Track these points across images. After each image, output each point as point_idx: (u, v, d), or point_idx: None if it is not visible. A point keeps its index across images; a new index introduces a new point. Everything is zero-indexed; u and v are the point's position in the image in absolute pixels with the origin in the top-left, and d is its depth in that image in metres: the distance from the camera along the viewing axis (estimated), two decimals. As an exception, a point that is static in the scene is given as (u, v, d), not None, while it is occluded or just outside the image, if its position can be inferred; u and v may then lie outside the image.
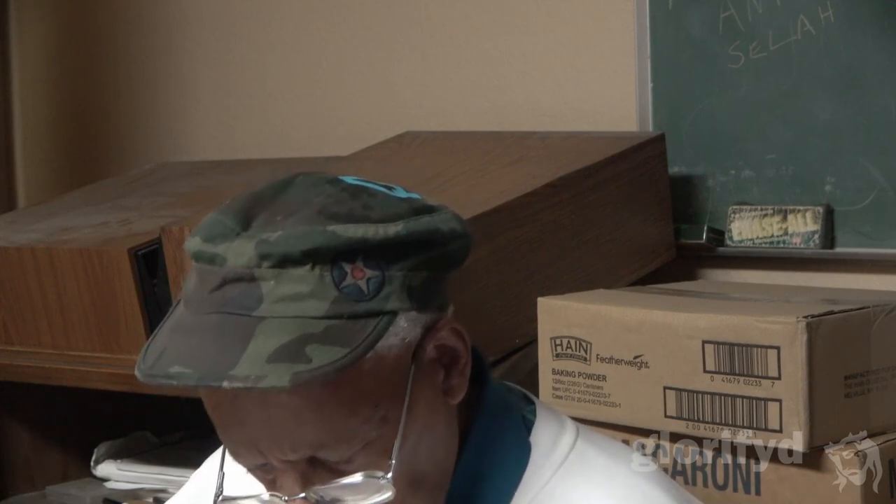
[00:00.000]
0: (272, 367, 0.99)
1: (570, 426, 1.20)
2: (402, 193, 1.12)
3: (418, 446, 1.09)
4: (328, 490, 1.07)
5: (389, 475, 1.06)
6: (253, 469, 1.10)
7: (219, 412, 1.07)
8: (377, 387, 1.06)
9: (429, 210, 1.10)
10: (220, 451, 1.15)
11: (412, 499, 1.10)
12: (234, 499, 1.11)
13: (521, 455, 1.16)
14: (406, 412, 1.07)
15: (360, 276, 1.04)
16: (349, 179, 1.12)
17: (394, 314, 1.05)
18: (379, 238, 1.04)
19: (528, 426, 1.18)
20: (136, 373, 1.04)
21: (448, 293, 1.13)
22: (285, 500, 1.07)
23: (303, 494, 1.06)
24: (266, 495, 1.09)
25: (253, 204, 1.08)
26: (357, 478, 1.06)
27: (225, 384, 1.00)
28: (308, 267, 1.03)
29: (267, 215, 1.07)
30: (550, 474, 1.15)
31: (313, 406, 1.03)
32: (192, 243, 1.07)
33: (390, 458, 1.06)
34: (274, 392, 1.01)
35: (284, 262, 1.03)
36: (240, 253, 1.04)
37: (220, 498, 1.11)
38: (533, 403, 1.21)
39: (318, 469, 1.07)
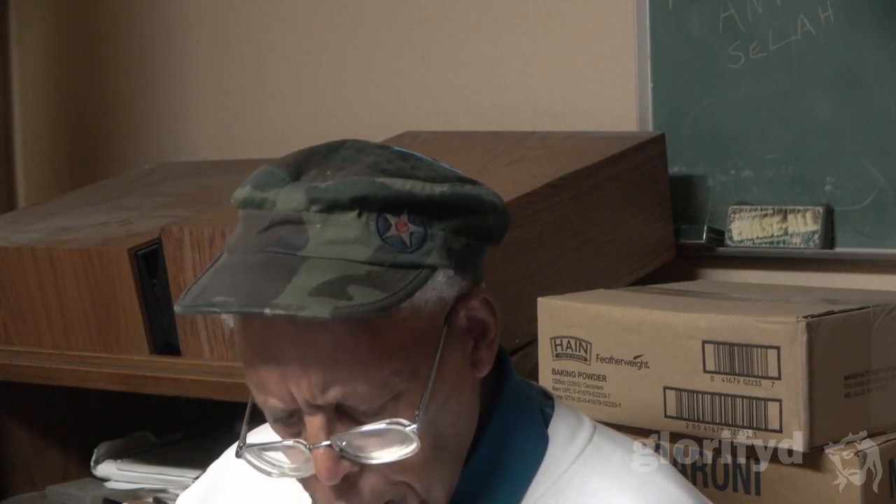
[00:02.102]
0: (314, 300, 1.02)
1: (588, 421, 1.23)
2: (447, 166, 1.15)
3: (444, 409, 1.11)
4: (353, 438, 1.08)
5: (415, 426, 1.07)
6: (277, 421, 1.11)
7: (254, 348, 1.08)
8: (411, 339, 1.08)
9: (472, 182, 1.14)
10: (241, 430, 1.16)
11: (433, 461, 1.11)
12: (258, 445, 1.12)
13: (538, 445, 1.18)
14: (435, 371, 1.09)
15: (403, 229, 1.08)
16: (397, 148, 1.15)
17: (433, 269, 1.08)
18: (425, 194, 1.08)
19: (546, 418, 1.21)
20: (176, 307, 1.07)
21: (482, 270, 1.16)
22: (310, 448, 1.08)
23: (327, 442, 1.07)
24: (290, 441, 1.10)
25: (304, 160, 1.12)
26: (382, 424, 1.07)
27: (267, 311, 1.02)
28: (355, 214, 1.06)
29: (318, 170, 1.10)
30: (568, 465, 1.17)
31: (349, 347, 1.05)
32: (242, 192, 1.11)
33: (416, 411, 1.08)
34: (313, 327, 1.04)
35: (333, 207, 1.06)
36: (290, 198, 1.07)
37: (244, 447, 1.12)
38: (551, 399, 1.24)
39: (344, 419, 1.08)
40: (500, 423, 1.18)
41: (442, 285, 1.10)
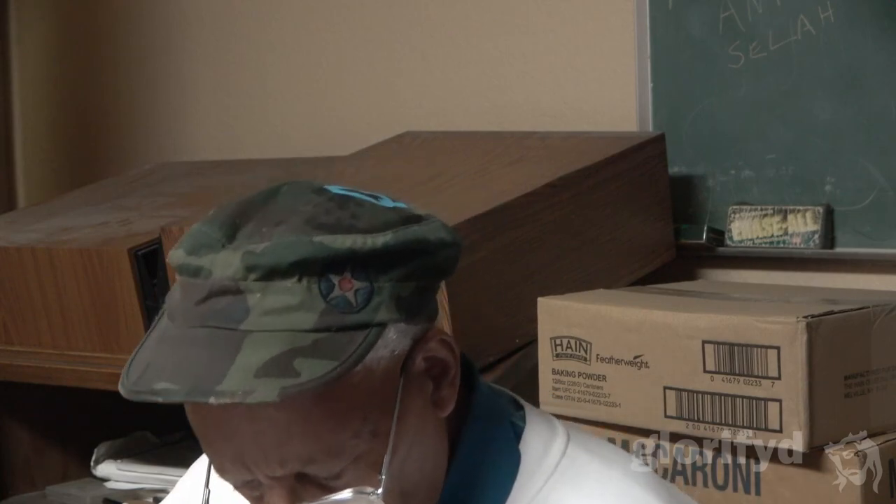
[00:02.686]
0: (260, 382, 0.97)
1: (561, 431, 1.18)
2: (388, 203, 1.10)
3: (408, 460, 1.08)
4: None
5: (379, 491, 1.04)
6: (240, 486, 1.08)
7: (204, 427, 1.05)
8: (366, 400, 1.04)
9: (416, 219, 1.08)
10: (205, 464, 1.13)
11: None
12: None
13: (510, 464, 1.14)
14: (395, 425, 1.05)
15: (348, 287, 1.02)
16: (335, 189, 1.10)
17: (383, 326, 1.03)
18: (367, 248, 1.03)
19: (517, 433, 1.16)
20: (121, 389, 1.03)
21: (437, 304, 1.11)
22: None
23: None
24: None
25: (238, 214, 1.06)
26: (346, 494, 1.04)
27: (212, 400, 0.97)
28: (295, 279, 1.01)
29: (253, 226, 1.05)
30: (542, 482, 1.13)
31: (302, 420, 1.01)
32: (176, 256, 1.05)
33: (380, 474, 1.04)
34: (262, 406, 0.99)
35: (272, 274, 1.01)
36: (226, 265, 1.02)
37: None
38: (522, 408, 1.19)
39: (306, 485, 1.05)
40: (469, 446, 1.14)
41: (393, 340, 1.05)
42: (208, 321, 1.02)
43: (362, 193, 1.10)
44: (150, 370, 1.02)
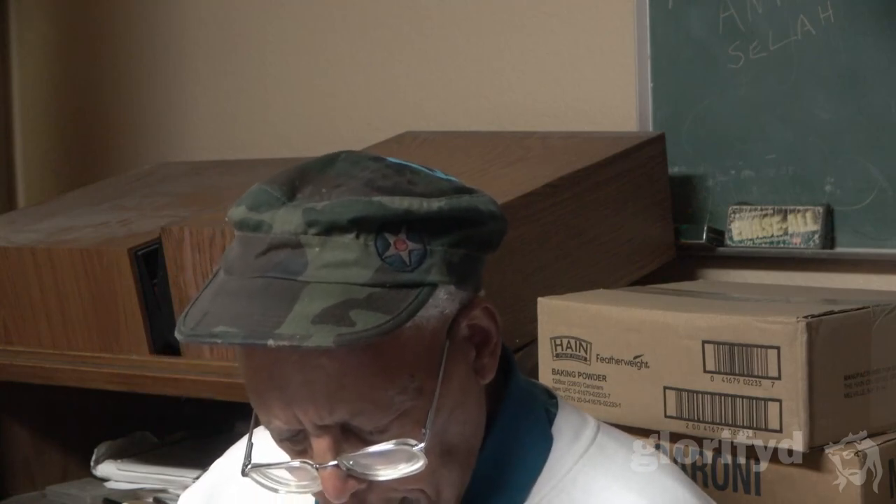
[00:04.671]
0: (317, 328, 1.02)
1: (592, 420, 1.23)
2: (441, 175, 1.15)
3: (450, 420, 1.12)
4: (360, 458, 1.08)
5: (422, 445, 1.08)
6: (283, 440, 1.11)
7: (258, 375, 1.08)
8: (415, 357, 1.08)
9: (468, 191, 1.13)
10: (245, 437, 1.17)
11: (442, 469, 1.12)
12: (264, 465, 1.12)
13: (543, 444, 1.19)
14: (440, 386, 1.09)
15: (402, 247, 1.07)
16: (391, 159, 1.15)
17: (434, 286, 1.08)
18: (423, 211, 1.08)
19: (550, 418, 1.21)
20: (177, 334, 1.06)
21: (482, 276, 1.16)
22: (317, 468, 1.08)
23: (335, 462, 1.08)
24: (297, 462, 1.10)
25: (298, 177, 1.11)
26: (389, 445, 1.08)
27: (270, 342, 1.02)
28: (353, 235, 1.06)
29: (313, 187, 1.09)
30: (572, 464, 1.18)
31: (353, 371, 1.05)
32: (237, 212, 1.09)
33: (423, 429, 1.08)
34: (317, 353, 1.04)
35: (331, 229, 1.05)
36: (286, 220, 1.06)
37: (250, 466, 1.12)
38: (555, 398, 1.25)
39: (350, 438, 1.08)
40: (504, 424, 1.19)
41: (443, 301, 1.10)
42: (267, 272, 1.06)
43: (417, 165, 1.15)
44: (208, 317, 1.06)
